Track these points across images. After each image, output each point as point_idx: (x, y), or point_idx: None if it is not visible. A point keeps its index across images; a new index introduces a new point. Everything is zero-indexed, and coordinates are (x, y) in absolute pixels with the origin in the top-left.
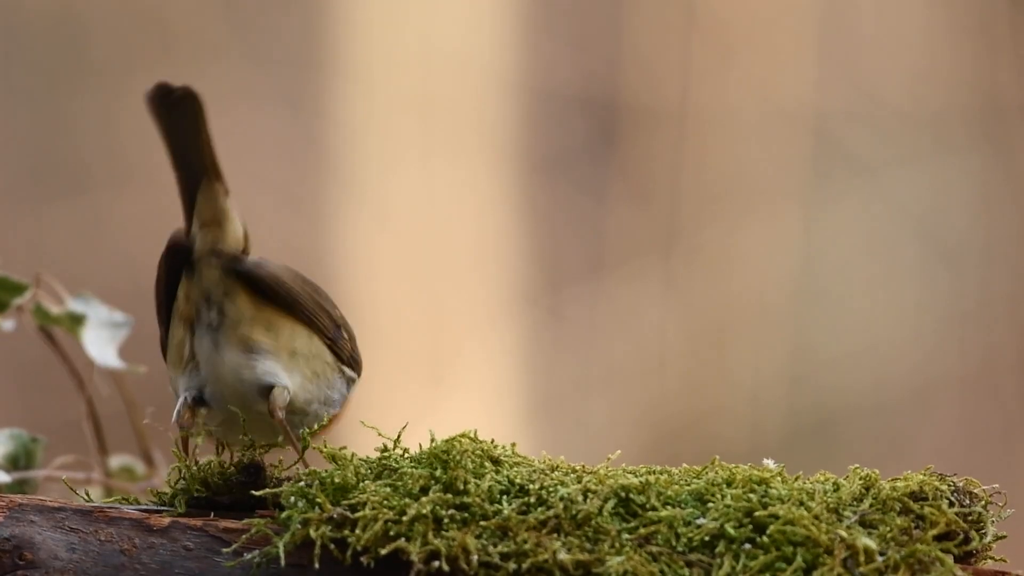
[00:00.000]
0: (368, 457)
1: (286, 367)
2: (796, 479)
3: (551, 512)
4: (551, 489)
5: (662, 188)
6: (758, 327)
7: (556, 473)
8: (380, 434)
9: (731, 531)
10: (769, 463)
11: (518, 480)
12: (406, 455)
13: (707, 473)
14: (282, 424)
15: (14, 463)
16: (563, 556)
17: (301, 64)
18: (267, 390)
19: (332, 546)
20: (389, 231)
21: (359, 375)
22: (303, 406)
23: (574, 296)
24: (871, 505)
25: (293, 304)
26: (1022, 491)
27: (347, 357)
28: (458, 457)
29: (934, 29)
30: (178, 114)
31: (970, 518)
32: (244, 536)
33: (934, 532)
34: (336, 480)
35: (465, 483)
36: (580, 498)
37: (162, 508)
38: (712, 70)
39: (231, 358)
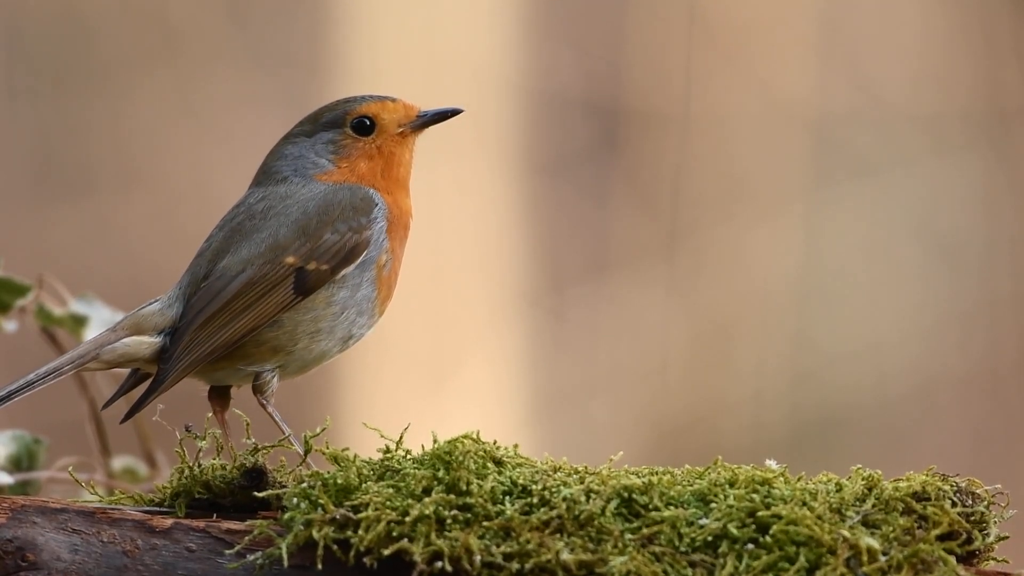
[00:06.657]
0: (370, 458)
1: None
2: (799, 479)
3: (554, 512)
4: (554, 490)
5: (664, 190)
6: (760, 328)
7: (559, 474)
8: (382, 435)
9: (734, 531)
10: (772, 463)
11: (521, 481)
12: (408, 456)
13: (710, 473)
14: None
15: (17, 464)
16: (566, 556)
17: (305, 66)
18: None
19: (335, 547)
20: None
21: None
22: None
23: (577, 297)
24: (874, 505)
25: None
26: None
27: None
28: (461, 458)
29: (935, 31)
30: None
31: (973, 518)
32: (247, 538)
33: (937, 532)
34: (339, 481)
35: (468, 484)
36: (583, 498)
37: (164, 510)
38: (714, 73)
39: None
